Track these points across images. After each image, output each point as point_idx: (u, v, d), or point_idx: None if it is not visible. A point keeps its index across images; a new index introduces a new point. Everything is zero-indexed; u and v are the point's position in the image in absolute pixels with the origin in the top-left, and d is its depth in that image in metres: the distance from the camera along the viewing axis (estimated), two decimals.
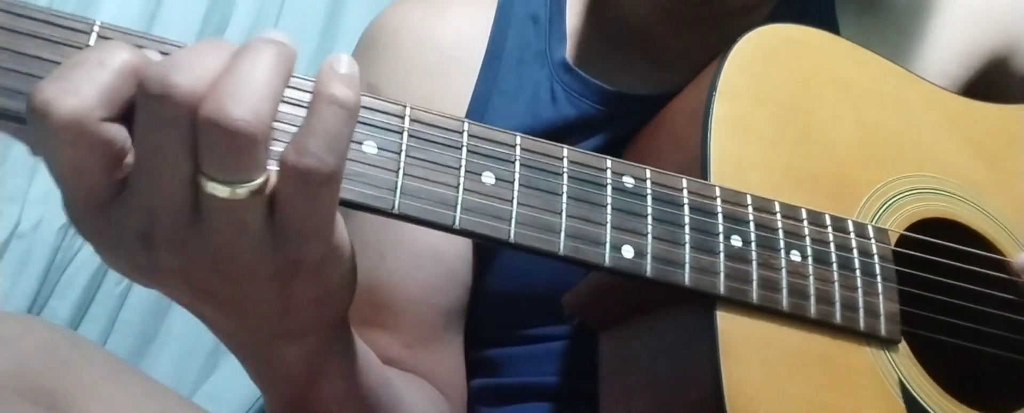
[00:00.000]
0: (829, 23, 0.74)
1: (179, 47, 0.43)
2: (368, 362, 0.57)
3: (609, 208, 0.50)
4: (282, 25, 1.29)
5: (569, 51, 0.74)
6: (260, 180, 0.40)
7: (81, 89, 0.37)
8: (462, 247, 0.72)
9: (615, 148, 0.64)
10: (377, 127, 0.45)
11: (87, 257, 1.15)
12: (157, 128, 0.38)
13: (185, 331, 1.20)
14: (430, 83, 0.73)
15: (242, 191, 0.39)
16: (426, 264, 0.70)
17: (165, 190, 0.39)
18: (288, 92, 0.42)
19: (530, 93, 0.73)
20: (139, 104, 0.38)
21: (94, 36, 0.41)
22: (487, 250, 0.72)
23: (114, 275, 1.18)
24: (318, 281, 0.45)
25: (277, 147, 0.41)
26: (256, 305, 0.45)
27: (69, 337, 0.69)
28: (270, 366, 0.51)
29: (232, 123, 0.38)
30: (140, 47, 0.41)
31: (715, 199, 0.53)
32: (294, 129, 0.41)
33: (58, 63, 0.40)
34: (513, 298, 0.72)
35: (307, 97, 0.42)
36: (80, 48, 0.41)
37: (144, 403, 0.66)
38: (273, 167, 0.40)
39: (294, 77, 0.42)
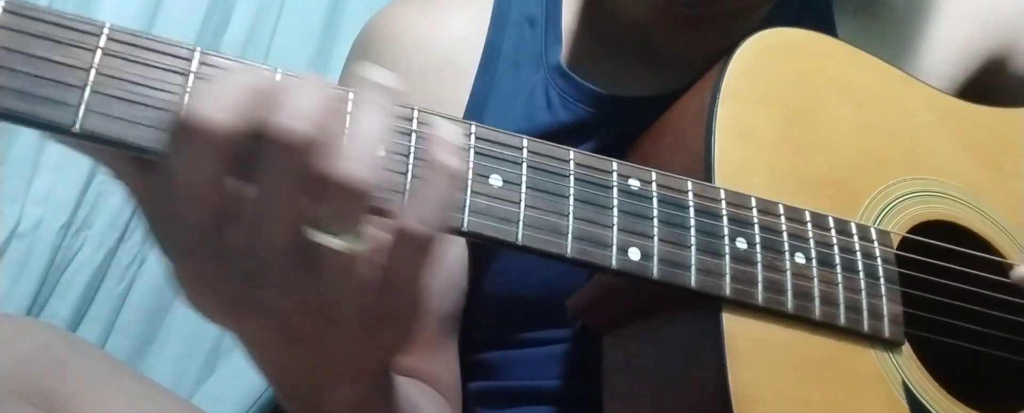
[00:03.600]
0: (827, 24, 0.74)
1: (188, 49, 0.43)
2: (401, 393, 0.58)
3: (615, 210, 0.50)
4: (282, 25, 1.28)
5: (564, 54, 0.74)
6: (367, 234, 0.41)
7: (230, 105, 0.39)
8: (459, 252, 0.72)
9: (611, 151, 0.63)
10: None
11: (87, 257, 1.15)
12: (272, 171, 0.39)
13: (185, 331, 1.19)
14: (427, 86, 0.73)
15: (348, 242, 0.41)
16: None
17: (276, 233, 0.41)
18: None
19: (526, 97, 0.73)
20: (260, 147, 0.39)
21: (104, 38, 0.41)
22: (484, 254, 0.72)
23: (114, 275, 1.18)
24: (400, 330, 0.46)
25: None
26: (335, 347, 0.46)
27: (66, 338, 0.68)
28: (315, 405, 0.51)
29: (353, 182, 0.39)
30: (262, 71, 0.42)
31: (720, 202, 0.53)
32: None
33: (67, 65, 0.40)
34: (511, 302, 0.71)
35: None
36: (91, 50, 0.41)
37: (142, 404, 0.66)
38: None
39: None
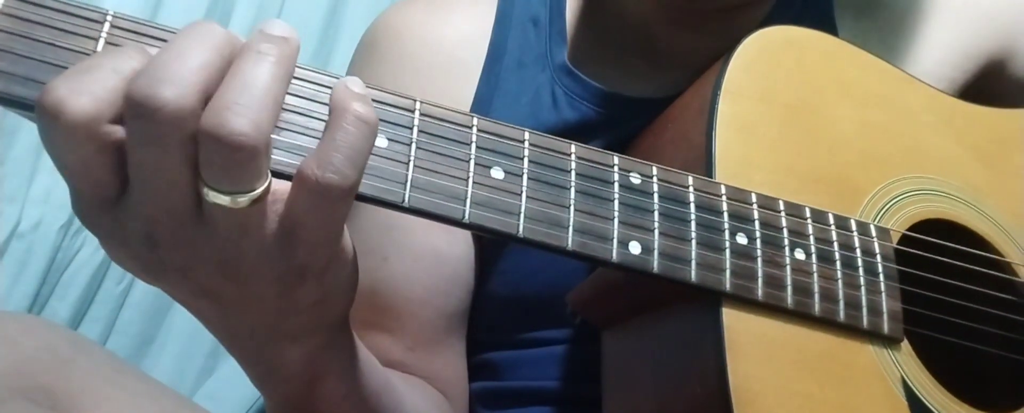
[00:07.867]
0: (827, 24, 0.74)
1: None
2: (369, 364, 0.57)
3: (616, 204, 0.50)
4: None
5: (569, 53, 0.74)
6: (261, 188, 0.40)
7: (94, 90, 0.37)
8: (464, 250, 0.72)
9: (615, 150, 0.64)
10: (388, 121, 0.45)
11: (87, 257, 1.15)
12: (147, 143, 0.38)
13: (185, 331, 1.19)
14: (433, 85, 0.73)
15: (243, 200, 0.40)
16: (429, 267, 0.70)
17: (162, 198, 0.40)
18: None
19: (531, 96, 0.73)
20: (127, 121, 0.38)
21: (107, 25, 0.41)
22: (489, 253, 0.72)
23: (114, 275, 1.18)
24: (321, 284, 0.45)
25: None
26: (258, 305, 0.45)
27: (69, 337, 0.68)
28: (269, 367, 0.51)
29: (233, 137, 0.37)
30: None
31: (721, 197, 0.53)
32: (296, 127, 0.42)
33: (72, 51, 0.40)
34: (514, 302, 0.72)
35: (306, 88, 0.43)
36: (94, 38, 0.41)
37: (144, 403, 0.66)
38: (285, 161, 0.40)
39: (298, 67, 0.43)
